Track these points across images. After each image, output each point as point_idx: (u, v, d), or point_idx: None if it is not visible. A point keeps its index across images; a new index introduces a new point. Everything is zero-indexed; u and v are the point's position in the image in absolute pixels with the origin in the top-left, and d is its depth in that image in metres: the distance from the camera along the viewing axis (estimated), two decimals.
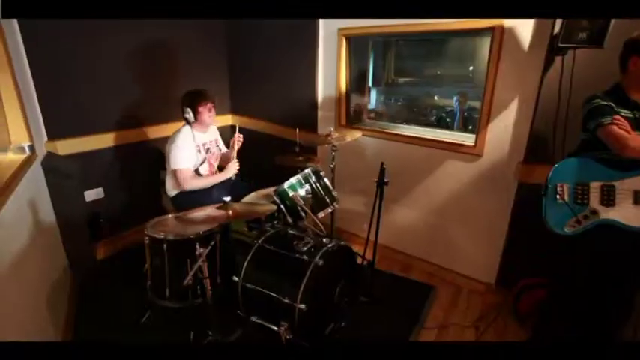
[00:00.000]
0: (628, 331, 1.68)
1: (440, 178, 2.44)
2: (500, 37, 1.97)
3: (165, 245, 1.78)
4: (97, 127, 2.60)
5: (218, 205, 1.69)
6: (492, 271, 2.36)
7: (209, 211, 1.73)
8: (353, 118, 2.93)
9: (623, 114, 1.44)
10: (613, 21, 1.55)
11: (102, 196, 2.71)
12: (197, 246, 1.61)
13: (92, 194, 2.66)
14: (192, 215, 1.75)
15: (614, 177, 1.46)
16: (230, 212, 1.62)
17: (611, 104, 1.46)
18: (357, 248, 2.24)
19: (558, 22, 1.71)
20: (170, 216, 2.06)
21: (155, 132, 2.91)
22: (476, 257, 2.43)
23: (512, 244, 2.22)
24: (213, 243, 1.69)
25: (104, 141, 2.65)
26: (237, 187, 2.43)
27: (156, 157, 2.90)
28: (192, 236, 1.78)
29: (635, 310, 1.63)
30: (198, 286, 1.81)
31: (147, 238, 1.85)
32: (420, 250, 2.68)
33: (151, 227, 1.88)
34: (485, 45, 2.26)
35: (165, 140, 2.33)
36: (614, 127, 1.41)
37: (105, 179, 2.72)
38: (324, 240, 1.88)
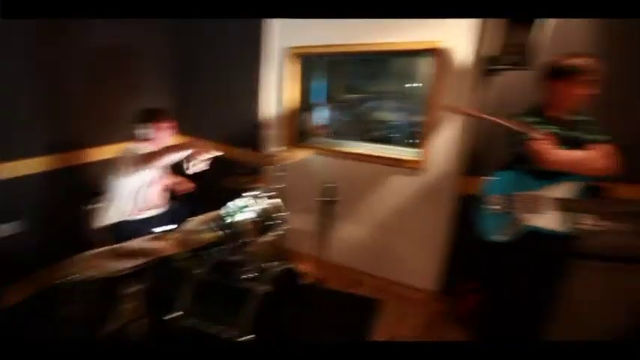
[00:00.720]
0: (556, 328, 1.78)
1: (386, 193, 2.48)
2: (441, 57, 2.09)
3: (89, 285, 1.59)
4: (16, 152, 2.30)
5: (154, 236, 1.56)
6: (436, 279, 2.43)
7: (144, 242, 1.58)
8: (302, 136, 2.91)
9: (545, 129, 1.56)
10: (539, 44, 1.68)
11: (18, 230, 2.39)
12: (126, 284, 1.45)
13: (6, 229, 2.34)
14: (125, 248, 1.59)
15: (538, 186, 1.57)
16: (169, 243, 1.49)
17: (537, 120, 1.58)
18: (307, 268, 2.19)
19: (491, 44, 1.82)
20: (99, 250, 1.85)
21: (87, 155, 2.64)
22: (421, 268, 2.49)
23: (454, 252, 2.31)
24: (143, 281, 1.53)
25: (25, 167, 2.35)
26: (178, 214, 2.27)
27: (84, 183, 2.63)
28: (121, 273, 1.61)
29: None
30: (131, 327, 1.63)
31: (68, 277, 1.64)
32: (368, 265, 2.70)
33: (76, 264, 1.67)
34: (428, 64, 2.36)
35: (98, 164, 2.11)
36: (536, 142, 1.52)
37: (23, 211, 2.40)
38: (269, 264, 1.80)
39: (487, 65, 1.85)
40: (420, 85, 2.66)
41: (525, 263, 1.65)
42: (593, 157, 1.50)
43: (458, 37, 2.03)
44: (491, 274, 1.98)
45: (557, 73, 1.53)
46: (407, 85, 2.92)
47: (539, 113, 1.61)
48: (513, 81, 1.90)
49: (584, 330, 1.84)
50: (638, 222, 1.85)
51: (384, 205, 2.51)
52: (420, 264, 2.48)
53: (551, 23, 1.73)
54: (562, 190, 1.56)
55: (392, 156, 2.45)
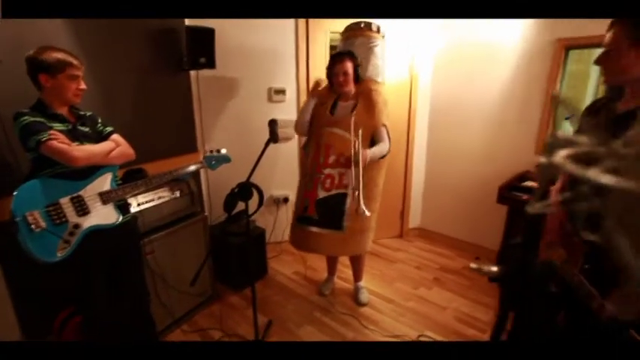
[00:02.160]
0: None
1: None
2: None
3: None
4: None
5: None
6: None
7: None
8: None
9: (57, 127, 1.46)
10: None
11: None
12: None
13: None
14: None
15: (78, 187, 1.50)
16: None
17: (42, 120, 1.44)
18: None
19: None
20: None
21: None
22: None
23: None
24: None
25: None
26: None
27: None
28: None
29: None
30: None
31: None
32: None
33: None
34: None
35: None
36: (55, 142, 1.41)
37: None
38: None
39: None
40: None
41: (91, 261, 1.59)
42: (113, 146, 1.61)
43: None
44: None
45: (42, 68, 1.43)
46: None
47: (46, 110, 1.48)
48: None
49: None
50: (173, 188, 2.28)
51: None
52: None
53: None
54: (102, 183, 1.58)
55: None
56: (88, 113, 1.66)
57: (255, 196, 1.85)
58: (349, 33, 2.33)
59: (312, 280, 2.87)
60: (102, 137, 1.65)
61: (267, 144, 1.77)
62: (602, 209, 0.28)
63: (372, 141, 2.24)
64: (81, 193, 1.50)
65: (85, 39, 2.03)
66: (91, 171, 1.54)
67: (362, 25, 2.27)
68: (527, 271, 0.46)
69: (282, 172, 3.10)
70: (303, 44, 2.86)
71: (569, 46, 2.45)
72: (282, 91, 2.90)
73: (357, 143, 2.07)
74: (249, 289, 2.65)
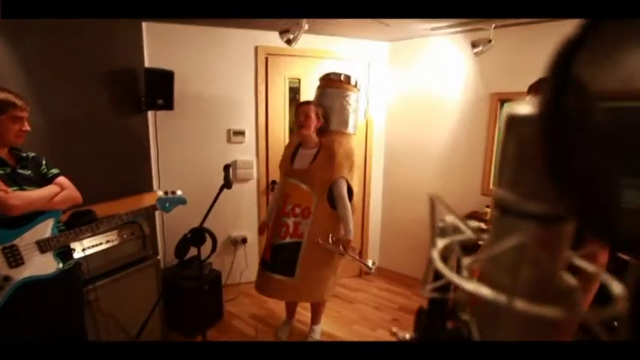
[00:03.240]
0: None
1: None
2: None
3: None
4: None
5: None
6: None
7: None
8: None
9: None
10: None
11: None
12: None
13: None
14: None
15: (12, 236, 1.42)
16: None
17: None
18: None
19: None
20: None
21: None
22: None
23: None
24: None
25: None
26: None
27: None
28: None
29: None
30: None
31: None
32: None
33: None
34: None
35: None
36: None
37: None
38: None
39: None
40: None
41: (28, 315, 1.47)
42: (57, 190, 1.55)
43: None
44: None
45: None
46: None
47: None
48: None
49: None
50: (129, 231, 2.21)
51: None
52: None
53: None
54: (41, 230, 1.50)
55: None
56: (31, 155, 1.59)
57: (209, 241, 1.84)
58: (323, 82, 2.39)
59: (270, 324, 2.79)
60: (46, 180, 1.58)
61: (221, 189, 1.78)
62: (459, 303, 0.32)
63: (331, 191, 2.26)
64: (15, 242, 1.41)
65: (37, 77, 1.99)
66: (30, 217, 1.47)
67: (332, 77, 2.34)
68: (432, 340, 0.50)
69: (241, 212, 3.07)
70: (263, 87, 2.95)
71: (502, 99, 2.71)
72: (241, 133, 2.94)
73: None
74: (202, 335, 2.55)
